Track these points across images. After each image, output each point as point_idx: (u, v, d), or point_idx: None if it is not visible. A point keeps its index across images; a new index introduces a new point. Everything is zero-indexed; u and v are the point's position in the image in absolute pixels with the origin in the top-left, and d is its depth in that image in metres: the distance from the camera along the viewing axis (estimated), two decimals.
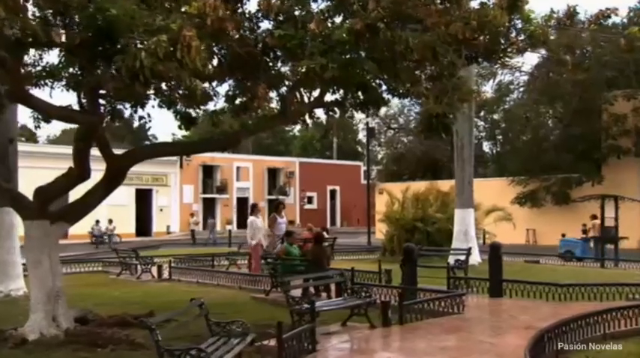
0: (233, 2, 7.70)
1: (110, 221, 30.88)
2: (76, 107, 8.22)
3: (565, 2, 8.63)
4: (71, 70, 7.80)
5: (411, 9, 7.38)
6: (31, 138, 48.03)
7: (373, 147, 45.65)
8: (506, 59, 9.06)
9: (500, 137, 41.72)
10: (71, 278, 14.85)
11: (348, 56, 7.51)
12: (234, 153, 45.49)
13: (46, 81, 7.96)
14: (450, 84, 7.73)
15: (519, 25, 8.32)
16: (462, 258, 13.60)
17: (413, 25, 7.51)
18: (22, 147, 32.03)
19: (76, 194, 8.68)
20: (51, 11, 6.45)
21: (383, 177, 41.02)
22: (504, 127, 38.90)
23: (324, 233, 22.71)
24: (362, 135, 59.05)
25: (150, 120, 9.61)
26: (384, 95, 8.99)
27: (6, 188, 10.05)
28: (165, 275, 14.65)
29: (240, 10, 8.13)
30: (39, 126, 8.59)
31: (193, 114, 10.12)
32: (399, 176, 38.91)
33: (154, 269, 14.94)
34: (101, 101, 8.83)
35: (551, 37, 9.00)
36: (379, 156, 48.72)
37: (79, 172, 8.02)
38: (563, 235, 21.66)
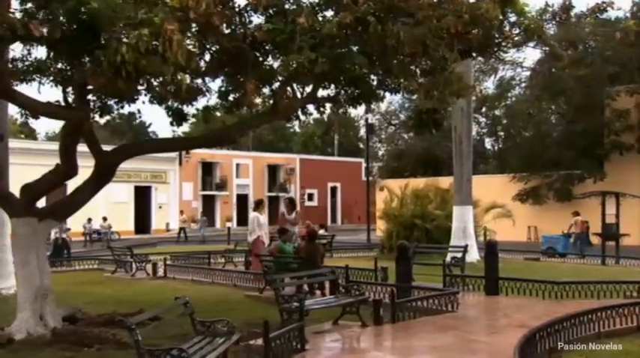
0: None
1: (104, 218, 30.45)
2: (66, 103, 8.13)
3: None
4: (60, 65, 7.73)
5: (403, 2, 7.26)
6: (30, 134, 48.05)
7: (374, 143, 45.49)
8: (501, 53, 8.93)
9: (501, 133, 41.49)
10: (66, 276, 14.83)
11: (338, 50, 7.40)
12: (233, 149, 45.44)
13: (34, 76, 7.86)
14: (442, 78, 7.59)
15: (513, 19, 8.20)
16: (459, 255, 13.46)
17: (404, 18, 7.38)
18: (14, 143, 32.16)
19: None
20: (33, 5, 6.34)
21: (384, 174, 40.86)
22: (506, 123, 38.65)
23: (322, 230, 22.68)
24: (363, 132, 58.68)
25: (140, 116, 9.54)
26: (378, 90, 8.89)
27: None
28: (161, 272, 14.56)
29: (230, 4, 8.01)
30: (27, 123, 8.48)
31: (185, 111, 10.06)
32: (400, 173, 38.73)
33: (149, 267, 14.83)
34: (91, 96, 8.77)
35: (550, 32, 8.87)
36: (380, 153, 48.53)
37: (66, 169, 7.92)
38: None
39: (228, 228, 30.50)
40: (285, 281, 9.72)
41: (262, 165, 47.55)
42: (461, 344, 7.26)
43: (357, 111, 49.06)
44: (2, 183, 11.20)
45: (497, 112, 40.48)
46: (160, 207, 38.33)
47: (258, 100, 8.98)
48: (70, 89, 8.08)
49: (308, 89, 9.16)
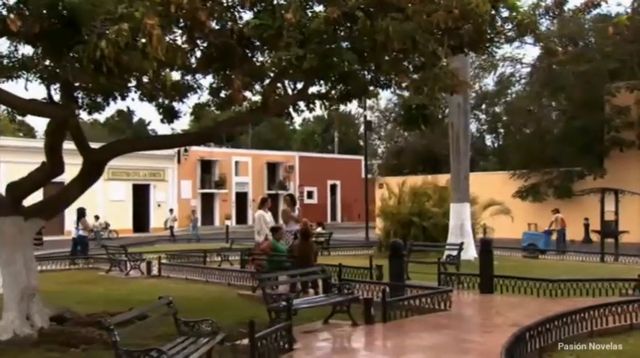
0: None
1: (97, 217, 29.70)
2: (55, 99, 8.03)
3: None
4: (47, 62, 7.62)
5: None
6: (29, 133, 47.97)
7: (373, 140, 45.36)
8: (494, 49, 8.80)
9: (502, 130, 41.35)
10: (60, 275, 14.77)
11: (327, 46, 7.28)
12: (232, 147, 45.28)
13: (20, 73, 7.76)
14: (431, 74, 7.47)
15: (506, 14, 8.08)
16: (455, 253, 13.35)
17: (394, 13, 7.25)
18: (4, 141, 31.99)
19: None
20: None
21: (383, 171, 40.75)
22: (506, 120, 38.50)
23: (320, 228, 22.59)
24: (363, 129, 58.75)
25: (131, 114, 9.41)
26: (369, 86, 8.76)
27: None
28: (155, 271, 14.48)
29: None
30: (14, 120, 8.38)
31: (177, 108, 9.96)
32: (399, 170, 38.60)
33: (144, 266, 14.76)
34: (80, 94, 8.67)
35: (551, 28, 8.73)
36: (380, 150, 48.42)
37: (52, 167, 7.82)
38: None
39: (227, 226, 30.36)
40: (277, 280, 9.62)
41: (261, 163, 47.42)
42: (452, 344, 7.16)
43: (357, 109, 48.85)
44: None
45: (497, 109, 40.34)
46: (159, 205, 38.18)
47: (248, 95, 8.86)
48: (57, 86, 8.00)
49: (299, 86, 9.06)
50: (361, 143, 61.32)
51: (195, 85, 9.68)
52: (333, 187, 51.55)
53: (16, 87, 7.99)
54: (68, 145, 8.45)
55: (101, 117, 45.25)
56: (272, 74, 8.58)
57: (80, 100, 8.82)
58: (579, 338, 7.07)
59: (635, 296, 9.29)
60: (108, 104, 8.56)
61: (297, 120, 70.41)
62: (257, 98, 9.69)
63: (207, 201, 44.29)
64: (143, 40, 5.56)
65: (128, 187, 38.99)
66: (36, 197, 8.52)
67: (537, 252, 19.10)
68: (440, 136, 34.03)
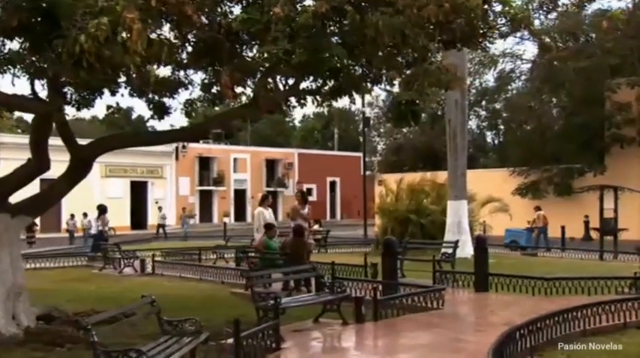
0: None
1: (85, 214, 28.04)
2: (42, 94, 7.92)
3: None
4: (34, 57, 7.51)
5: None
6: (27, 129, 47.86)
7: (373, 137, 45.18)
8: (487, 44, 8.66)
9: (502, 127, 41.16)
10: (53, 272, 14.70)
11: (316, 41, 7.15)
12: (231, 144, 45.14)
13: (6, 68, 7.64)
14: (421, 69, 7.34)
15: (499, 9, 7.95)
16: (450, 250, 13.23)
17: (384, 7, 7.13)
18: (1, 138, 31.67)
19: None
20: None
21: (383, 168, 40.59)
22: (506, 117, 38.31)
23: (317, 225, 22.47)
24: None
25: (119, 109, 9.29)
26: (361, 81, 8.63)
27: None
28: (149, 269, 14.39)
29: None
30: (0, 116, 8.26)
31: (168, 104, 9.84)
32: (399, 167, 38.45)
33: (137, 264, 14.66)
34: (68, 89, 8.55)
35: (550, 23, 8.61)
36: (379, 147, 48.22)
37: (38, 164, 7.71)
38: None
39: (224, 224, 30.22)
40: (269, 278, 9.52)
41: (260, 160, 47.26)
42: (443, 343, 7.05)
43: (357, 105, 48.68)
44: None
45: (497, 105, 40.13)
46: (157, 203, 38.02)
47: (238, 90, 8.73)
48: (44, 81, 7.88)
49: (290, 81, 8.94)
50: (361, 139, 61.21)
51: (187, 81, 9.58)
52: (333, 184, 51.42)
53: (2, 82, 7.89)
54: (56, 141, 8.36)
55: (100, 113, 44.95)
56: (262, 69, 8.47)
57: (69, 96, 8.72)
58: (572, 337, 6.97)
59: (631, 294, 9.17)
60: (95, 99, 8.44)
61: (297, 116, 70.31)
62: (249, 93, 9.59)
63: (206, 198, 44.16)
64: (124, 35, 5.45)
65: (126, 184, 38.88)
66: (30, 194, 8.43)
67: (536, 250, 19.08)
68: (440, 133, 33.86)
